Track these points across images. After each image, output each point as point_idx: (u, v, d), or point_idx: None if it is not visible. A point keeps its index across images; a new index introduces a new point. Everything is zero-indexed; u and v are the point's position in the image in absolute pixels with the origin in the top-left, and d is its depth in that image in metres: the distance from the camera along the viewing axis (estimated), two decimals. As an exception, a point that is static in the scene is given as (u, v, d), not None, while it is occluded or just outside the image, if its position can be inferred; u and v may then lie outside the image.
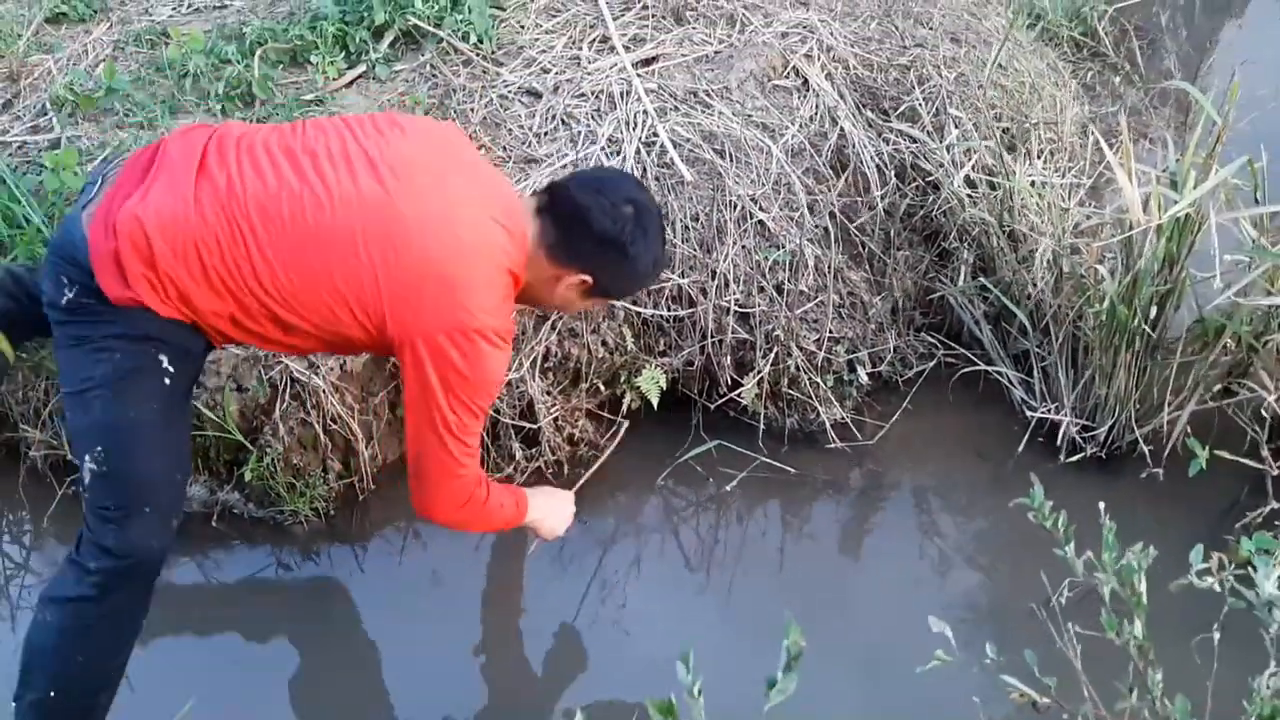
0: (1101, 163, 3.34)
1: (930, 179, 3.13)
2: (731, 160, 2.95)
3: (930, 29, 3.47)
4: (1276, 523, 2.56)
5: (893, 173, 3.15)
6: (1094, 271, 2.73)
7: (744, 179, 2.93)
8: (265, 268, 1.82)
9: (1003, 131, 3.23)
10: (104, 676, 1.98)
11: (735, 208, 2.88)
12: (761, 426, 2.91)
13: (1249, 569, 1.41)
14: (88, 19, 3.47)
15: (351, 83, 3.16)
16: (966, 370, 3.02)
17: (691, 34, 3.30)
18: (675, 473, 2.86)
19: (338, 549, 2.72)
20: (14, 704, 1.95)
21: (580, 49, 3.21)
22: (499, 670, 2.49)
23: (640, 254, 1.94)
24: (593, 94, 3.07)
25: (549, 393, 2.81)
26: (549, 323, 2.78)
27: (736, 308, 2.85)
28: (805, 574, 2.68)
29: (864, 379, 2.97)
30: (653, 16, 3.34)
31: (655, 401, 2.85)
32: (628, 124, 2.99)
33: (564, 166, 2.90)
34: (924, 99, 3.19)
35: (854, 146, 3.12)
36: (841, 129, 3.13)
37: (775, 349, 2.87)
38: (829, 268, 2.94)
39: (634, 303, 2.82)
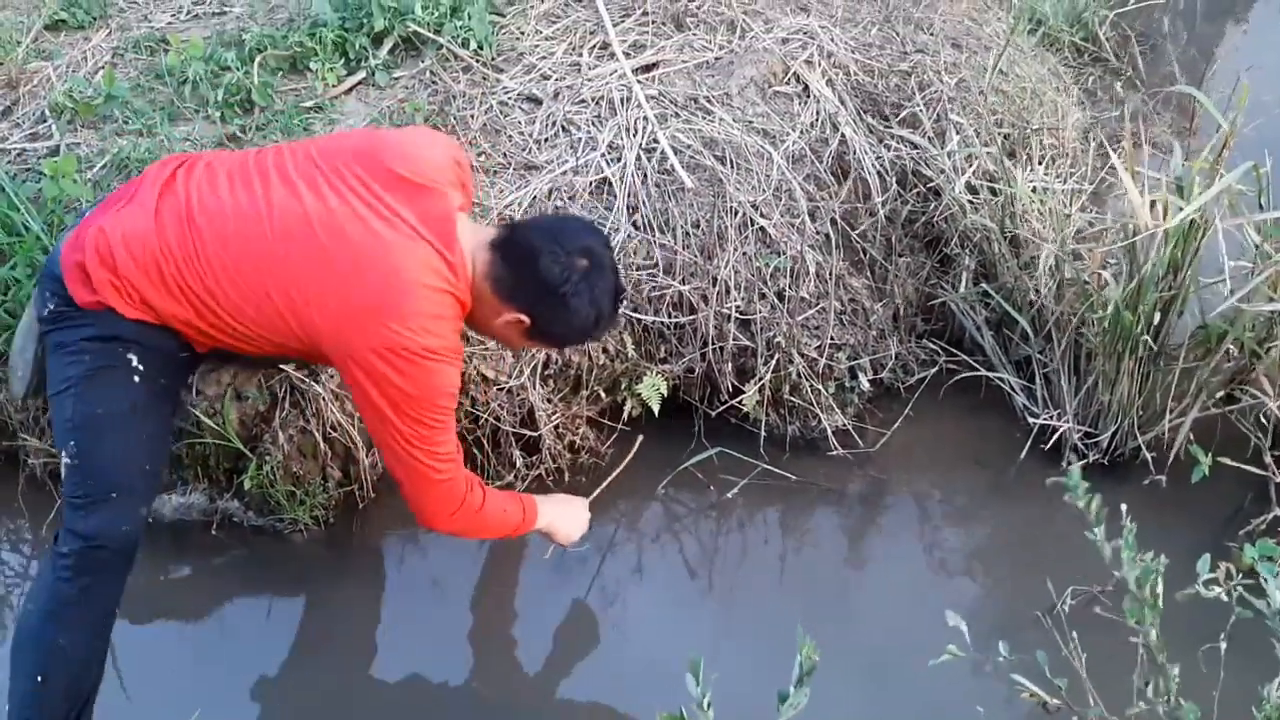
0: (1104, 168, 3.33)
1: (931, 185, 3.12)
2: (732, 167, 2.95)
3: (931, 35, 3.46)
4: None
5: (894, 179, 3.14)
6: (1097, 277, 2.72)
7: (745, 185, 2.93)
8: (214, 280, 1.94)
9: (1004, 137, 3.23)
10: (86, 658, 2.07)
11: (736, 214, 2.88)
12: (763, 433, 2.91)
13: (1256, 577, 1.40)
14: (87, 26, 3.47)
15: (351, 89, 3.16)
16: (968, 377, 3.00)
17: (692, 40, 3.30)
18: (676, 480, 2.85)
19: (337, 557, 2.71)
20: (8, 705, 2.04)
21: (580, 55, 3.21)
22: (500, 678, 2.48)
23: (580, 308, 1.97)
24: (593, 100, 3.07)
25: (550, 400, 2.80)
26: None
27: (737, 314, 2.84)
28: (807, 581, 2.68)
29: (865, 386, 2.96)
30: (653, 23, 3.34)
31: (656, 408, 2.84)
32: (628, 130, 2.98)
33: (564, 173, 2.90)
34: (925, 105, 3.18)
35: (855, 153, 3.11)
36: (842, 135, 3.12)
37: (776, 356, 2.86)
38: (830, 274, 2.93)
39: (634, 309, 2.82)
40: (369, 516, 2.78)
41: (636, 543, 2.75)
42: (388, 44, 3.23)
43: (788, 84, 3.23)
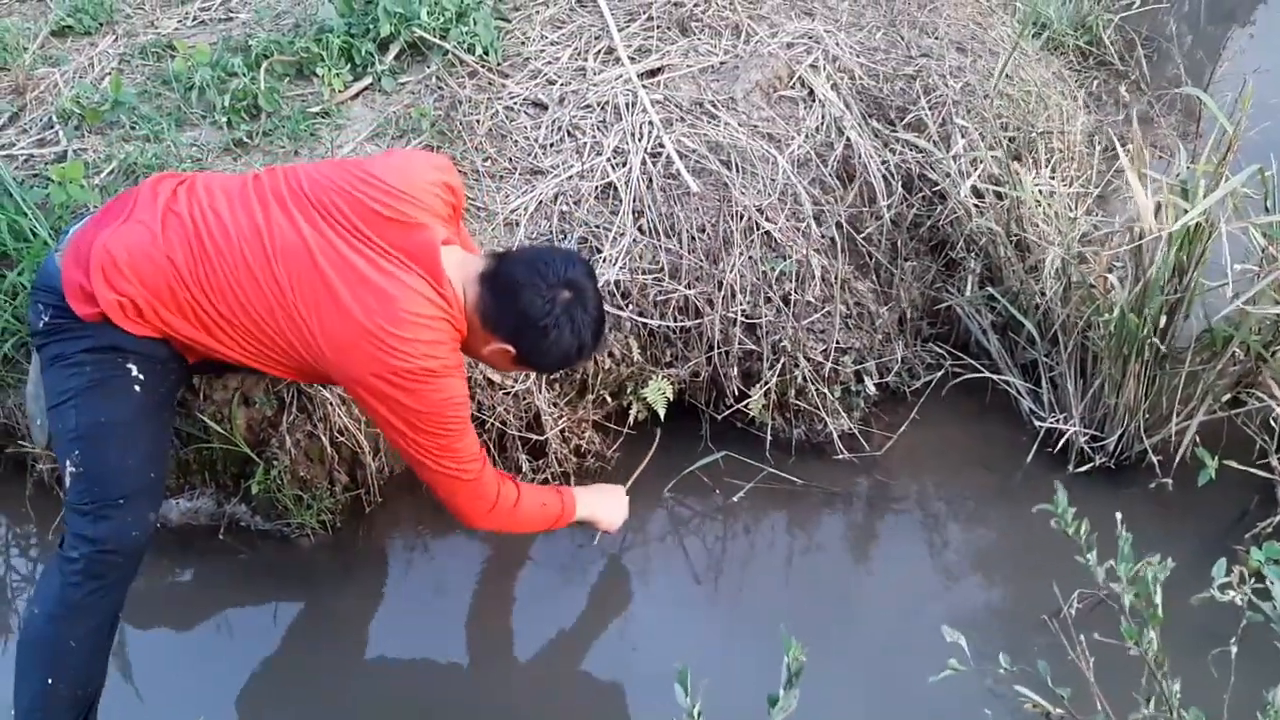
0: (1109, 171, 3.33)
1: (937, 189, 3.12)
2: (737, 171, 2.95)
3: (936, 39, 3.47)
4: (1287, 532, 2.54)
5: (899, 183, 3.14)
6: (1103, 280, 2.72)
7: (750, 190, 2.93)
8: (226, 306, 2.00)
9: (1009, 141, 3.23)
10: (93, 660, 2.11)
11: (741, 218, 2.88)
12: (769, 437, 2.91)
13: (1264, 580, 1.40)
14: (93, 32, 3.48)
15: (357, 95, 3.16)
16: (974, 380, 3.00)
17: (697, 45, 3.30)
18: (682, 483, 2.85)
19: (344, 562, 2.71)
20: (13, 710, 2.06)
21: (586, 60, 3.21)
22: (506, 684, 2.49)
23: (560, 339, 2.02)
24: (598, 105, 3.07)
25: (556, 404, 2.81)
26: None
27: (743, 318, 2.84)
28: (813, 585, 2.67)
29: (871, 389, 2.96)
30: (658, 28, 3.34)
31: (662, 413, 2.84)
32: (633, 135, 2.98)
33: (569, 178, 2.90)
34: (930, 109, 3.19)
35: (860, 157, 3.11)
36: (848, 139, 3.13)
37: (782, 360, 2.86)
38: (836, 278, 2.93)
39: (640, 313, 2.82)
40: (375, 521, 2.78)
41: (642, 547, 2.75)
42: (394, 49, 3.24)
43: (793, 88, 3.23)
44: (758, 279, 2.86)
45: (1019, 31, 3.56)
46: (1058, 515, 1.47)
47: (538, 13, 3.38)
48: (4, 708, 2.12)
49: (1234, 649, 1.48)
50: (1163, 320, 2.62)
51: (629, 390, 2.88)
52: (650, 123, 3.01)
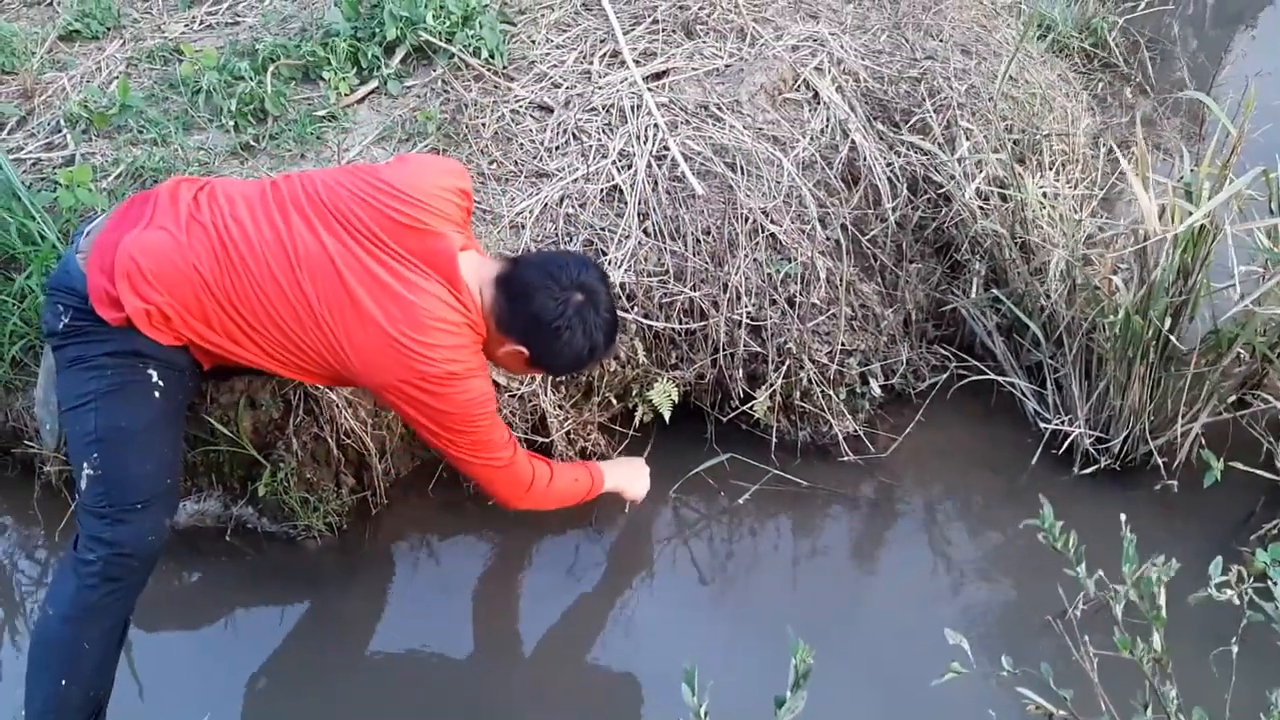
0: (1114, 174, 3.33)
1: (942, 191, 3.12)
2: (743, 173, 2.95)
3: (940, 41, 3.47)
4: (1293, 534, 2.54)
5: (904, 185, 3.14)
6: (1108, 282, 2.72)
7: (755, 192, 2.93)
8: (254, 316, 2.02)
9: (1014, 143, 3.23)
10: (105, 661, 2.13)
11: (747, 221, 2.88)
12: (774, 439, 2.91)
13: (1267, 581, 1.40)
14: (101, 36, 3.50)
15: (364, 99, 3.18)
16: (979, 382, 3.00)
17: (702, 48, 3.31)
18: (687, 485, 2.86)
19: (350, 564, 2.72)
20: (24, 711, 2.07)
21: (591, 63, 3.22)
22: (511, 684, 2.49)
23: (571, 340, 2.07)
24: (604, 108, 3.08)
25: (561, 406, 2.81)
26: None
27: (748, 320, 2.85)
28: (818, 587, 2.67)
29: (876, 391, 2.96)
30: (663, 31, 3.35)
31: (667, 415, 2.85)
32: (639, 138, 2.99)
33: (575, 180, 2.91)
34: (935, 111, 3.19)
35: (865, 159, 3.12)
36: (852, 142, 3.13)
37: (787, 362, 2.86)
38: (841, 280, 2.94)
39: (645, 315, 2.82)
40: (381, 523, 2.79)
41: (648, 548, 2.76)
42: (400, 53, 3.25)
43: (798, 91, 3.24)
44: (763, 281, 2.86)
45: (1023, 34, 3.56)
46: (1045, 530, 1.48)
47: (543, 16, 3.39)
48: (13, 709, 2.13)
49: (1235, 649, 1.49)
50: (1167, 322, 2.62)
51: (634, 392, 2.88)
52: (655, 125, 3.02)
